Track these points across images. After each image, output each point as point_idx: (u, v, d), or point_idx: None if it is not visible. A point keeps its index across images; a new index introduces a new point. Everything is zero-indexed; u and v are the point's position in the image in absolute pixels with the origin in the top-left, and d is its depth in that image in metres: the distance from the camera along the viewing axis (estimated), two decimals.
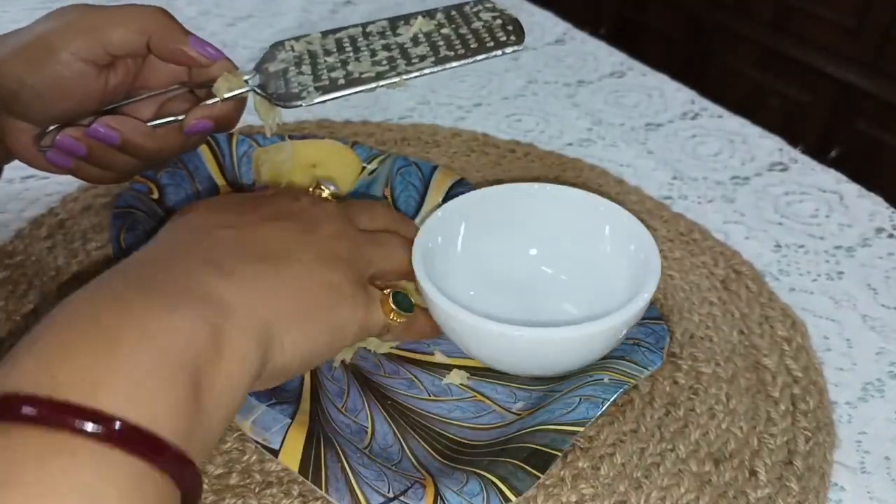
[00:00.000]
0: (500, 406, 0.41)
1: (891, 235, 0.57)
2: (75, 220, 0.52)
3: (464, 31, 0.42)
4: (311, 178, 0.51)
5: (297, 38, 0.44)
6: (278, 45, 0.43)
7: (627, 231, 0.43)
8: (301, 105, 0.40)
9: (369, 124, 0.66)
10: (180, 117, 0.41)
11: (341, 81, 0.40)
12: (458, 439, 0.39)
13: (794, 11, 1.44)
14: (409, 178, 0.52)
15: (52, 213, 0.52)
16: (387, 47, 0.42)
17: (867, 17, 1.33)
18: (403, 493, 0.33)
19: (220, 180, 0.54)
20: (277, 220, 0.35)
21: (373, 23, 0.44)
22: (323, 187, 0.43)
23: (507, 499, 0.33)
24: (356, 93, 0.40)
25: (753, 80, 1.54)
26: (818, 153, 0.71)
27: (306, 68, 0.42)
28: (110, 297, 0.27)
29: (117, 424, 0.22)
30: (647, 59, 0.82)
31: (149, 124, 0.40)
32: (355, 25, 0.44)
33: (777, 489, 0.38)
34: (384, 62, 0.41)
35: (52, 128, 0.40)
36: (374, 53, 0.42)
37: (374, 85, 0.40)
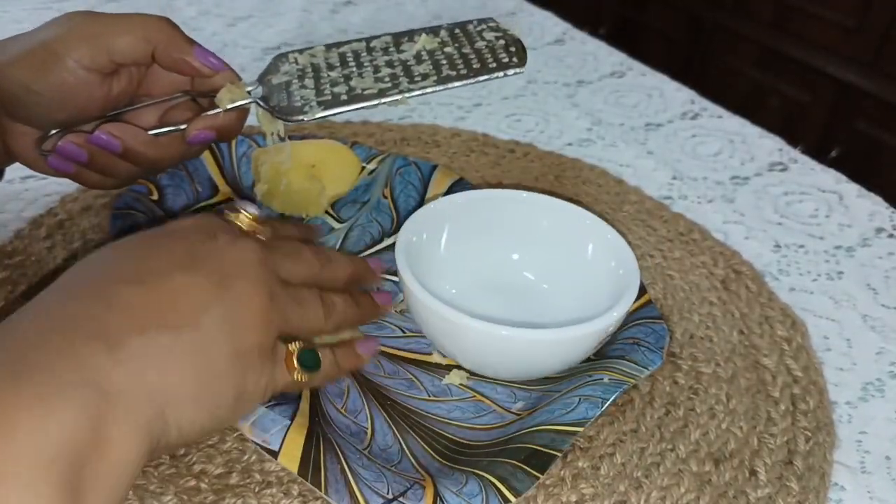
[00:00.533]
0: (499, 406, 0.41)
1: (891, 235, 0.57)
2: (74, 221, 0.52)
3: (467, 50, 0.42)
4: (310, 179, 0.51)
5: (300, 51, 0.44)
6: (282, 57, 0.44)
7: (610, 247, 0.43)
8: (303, 120, 0.40)
9: (369, 124, 0.66)
10: (182, 126, 0.41)
11: (344, 97, 0.41)
12: (458, 440, 0.39)
13: (794, 11, 1.44)
14: (408, 178, 0.52)
15: (52, 214, 0.52)
16: (390, 64, 0.42)
17: (867, 17, 1.33)
18: (403, 493, 0.33)
19: (219, 181, 0.54)
20: (189, 268, 0.31)
21: (377, 38, 0.45)
22: (242, 211, 0.37)
23: (506, 499, 0.33)
24: (358, 109, 0.40)
25: (753, 80, 1.54)
26: (818, 153, 0.71)
27: (309, 82, 0.42)
28: None
29: None
30: (647, 59, 0.82)
31: (150, 133, 0.41)
32: (359, 40, 0.45)
33: (777, 489, 0.38)
34: (387, 79, 0.41)
35: (53, 132, 0.41)
36: (377, 70, 0.42)
37: (376, 102, 0.40)
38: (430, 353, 0.43)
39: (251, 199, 0.53)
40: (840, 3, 1.36)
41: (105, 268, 0.31)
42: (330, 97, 0.41)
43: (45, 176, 0.56)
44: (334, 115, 0.40)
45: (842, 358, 0.47)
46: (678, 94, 0.75)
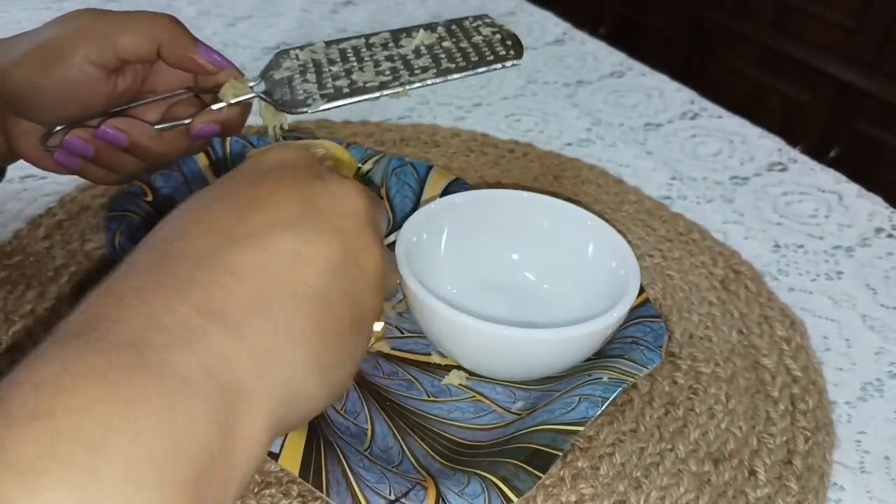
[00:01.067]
0: (499, 406, 0.41)
1: (890, 235, 0.57)
2: (73, 221, 0.52)
3: (464, 44, 0.43)
4: None
5: (301, 48, 0.45)
6: (283, 54, 0.44)
7: (611, 247, 0.43)
8: (307, 112, 0.40)
9: (368, 124, 0.66)
10: (186, 121, 0.41)
11: (346, 90, 0.41)
12: (458, 440, 0.38)
13: (794, 11, 1.44)
14: (404, 178, 0.52)
15: (51, 214, 0.52)
16: (389, 58, 0.43)
17: (867, 17, 1.33)
18: (405, 495, 0.33)
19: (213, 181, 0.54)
20: (301, 223, 0.27)
21: (376, 34, 0.45)
22: (329, 146, 0.36)
23: (508, 499, 0.33)
24: (360, 101, 0.41)
25: (753, 80, 1.54)
26: (818, 153, 0.71)
27: (311, 76, 0.42)
28: (94, 372, 0.21)
29: None
30: (647, 59, 0.82)
31: (155, 128, 0.41)
32: (358, 36, 0.45)
33: (776, 489, 0.38)
34: (387, 72, 0.41)
35: (58, 129, 0.41)
36: (377, 64, 0.42)
37: (377, 94, 0.40)
38: (429, 354, 0.43)
39: None
40: (840, 3, 1.36)
41: (203, 228, 0.26)
42: (332, 90, 0.41)
43: (44, 175, 0.56)
44: (337, 107, 0.40)
45: (841, 358, 0.47)
46: (678, 94, 0.75)
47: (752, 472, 0.38)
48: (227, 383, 0.22)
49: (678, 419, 0.41)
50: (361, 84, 0.41)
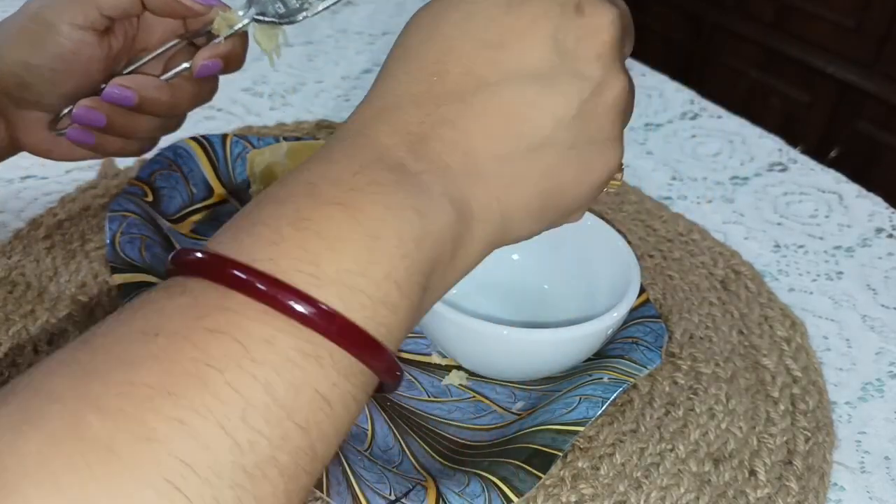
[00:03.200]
0: (499, 406, 0.41)
1: (890, 235, 0.57)
2: (74, 221, 0.52)
3: None
4: None
5: None
6: None
7: (611, 247, 0.43)
8: (307, 16, 0.40)
9: None
10: (188, 65, 0.40)
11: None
12: (459, 440, 0.38)
13: (794, 11, 1.44)
14: None
15: (51, 214, 0.52)
16: None
17: (867, 17, 1.33)
18: (405, 495, 0.33)
19: (214, 182, 0.54)
20: (540, 77, 0.27)
21: None
22: None
23: (508, 499, 0.33)
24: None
25: (753, 80, 1.54)
26: (818, 153, 0.71)
27: None
28: (364, 178, 0.24)
29: (336, 318, 0.21)
30: (647, 59, 0.82)
31: (160, 78, 0.40)
32: None
33: (777, 489, 0.38)
34: None
35: (65, 111, 0.41)
36: None
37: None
38: (429, 354, 0.43)
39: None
40: (840, 3, 1.36)
41: (461, 64, 0.27)
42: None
43: (45, 175, 0.56)
44: (336, 2, 0.40)
45: (841, 358, 0.47)
46: (678, 94, 0.75)
47: (753, 473, 0.38)
48: (462, 208, 0.26)
49: (678, 419, 0.41)
50: None
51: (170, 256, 0.23)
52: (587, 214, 0.45)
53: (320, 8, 0.40)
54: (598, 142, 0.29)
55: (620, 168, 0.31)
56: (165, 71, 0.42)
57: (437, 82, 0.27)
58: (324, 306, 0.21)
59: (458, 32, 0.28)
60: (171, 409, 0.19)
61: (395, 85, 0.28)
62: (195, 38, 0.42)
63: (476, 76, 0.27)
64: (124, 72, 0.42)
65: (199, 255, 0.22)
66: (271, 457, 0.20)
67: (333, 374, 0.21)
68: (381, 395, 0.40)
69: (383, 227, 0.23)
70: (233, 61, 0.42)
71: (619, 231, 0.44)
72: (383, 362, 0.22)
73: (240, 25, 0.41)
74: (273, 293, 0.21)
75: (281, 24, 0.41)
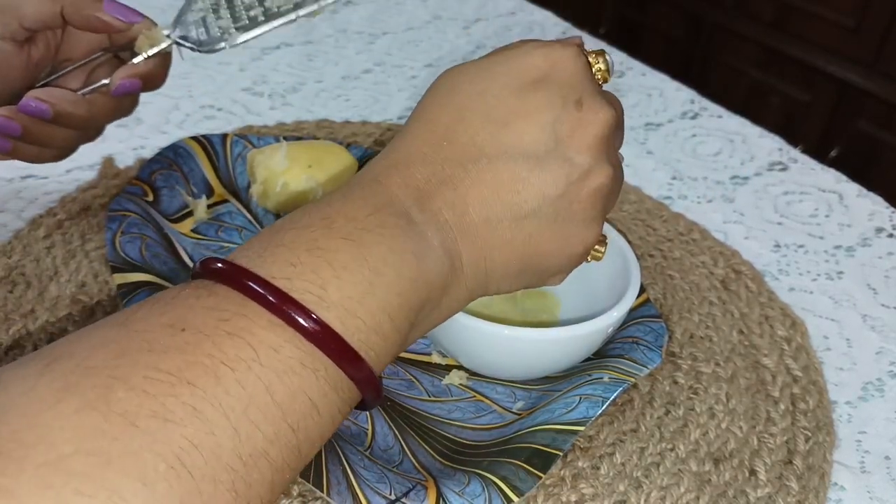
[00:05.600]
0: (500, 406, 0.41)
1: (890, 235, 0.57)
2: (73, 221, 0.52)
3: None
4: (306, 180, 0.51)
5: None
6: None
7: (611, 247, 0.43)
8: (225, 47, 0.41)
9: (368, 124, 0.66)
10: (106, 81, 0.40)
11: (261, 18, 0.41)
12: (459, 440, 0.38)
13: (794, 11, 1.44)
14: None
15: (51, 214, 0.52)
16: None
17: (867, 17, 1.33)
18: (405, 494, 0.33)
19: (214, 182, 0.54)
20: (533, 157, 0.31)
21: None
22: (601, 57, 0.33)
23: (509, 499, 0.33)
24: (277, 27, 0.41)
25: (753, 80, 1.54)
26: (818, 153, 0.71)
27: (224, 12, 0.42)
28: (374, 221, 0.27)
29: (336, 337, 0.25)
30: (647, 59, 0.82)
31: (78, 92, 0.40)
32: None
33: (777, 489, 0.38)
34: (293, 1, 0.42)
35: None
36: None
37: (293, 16, 0.40)
38: (429, 354, 0.43)
39: (244, 201, 0.53)
40: (840, 3, 1.36)
41: (466, 134, 0.31)
42: (247, 21, 0.41)
43: (45, 175, 0.56)
44: (254, 37, 0.41)
45: (842, 358, 0.47)
46: (678, 94, 0.75)
47: (753, 472, 0.38)
48: (454, 260, 0.30)
49: (678, 419, 0.41)
50: (276, 9, 0.41)
51: (199, 262, 0.26)
52: None
53: (239, 40, 0.40)
54: (578, 220, 0.32)
55: (602, 243, 0.35)
56: (88, 82, 0.42)
57: (445, 147, 0.30)
58: (327, 326, 0.24)
59: (470, 104, 0.31)
60: (188, 396, 0.22)
61: (411, 142, 0.31)
62: (120, 51, 0.42)
63: (478, 147, 0.30)
64: (47, 79, 0.42)
65: (225, 264, 0.25)
66: (264, 450, 0.23)
67: (325, 386, 0.24)
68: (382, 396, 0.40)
69: (385, 265, 0.26)
70: (152, 82, 0.42)
71: (618, 231, 0.44)
72: (370, 382, 0.26)
73: (161, 47, 0.41)
74: (285, 308, 0.24)
75: (201, 51, 0.41)
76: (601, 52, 0.34)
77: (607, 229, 0.44)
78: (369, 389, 0.26)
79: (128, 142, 0.61)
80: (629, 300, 0.39)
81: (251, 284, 0.24)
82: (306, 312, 0.24)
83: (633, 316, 0.43)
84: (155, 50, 0.41)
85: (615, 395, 0.37)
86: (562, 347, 0.38)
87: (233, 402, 0.22)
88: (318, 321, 0.24)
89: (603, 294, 0.42)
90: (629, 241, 0.43)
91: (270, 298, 0.24)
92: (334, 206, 0.28)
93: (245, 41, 0.41)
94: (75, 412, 0.20)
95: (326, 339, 0.24)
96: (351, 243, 0.26)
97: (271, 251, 0.26)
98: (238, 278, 0.24)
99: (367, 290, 0.26)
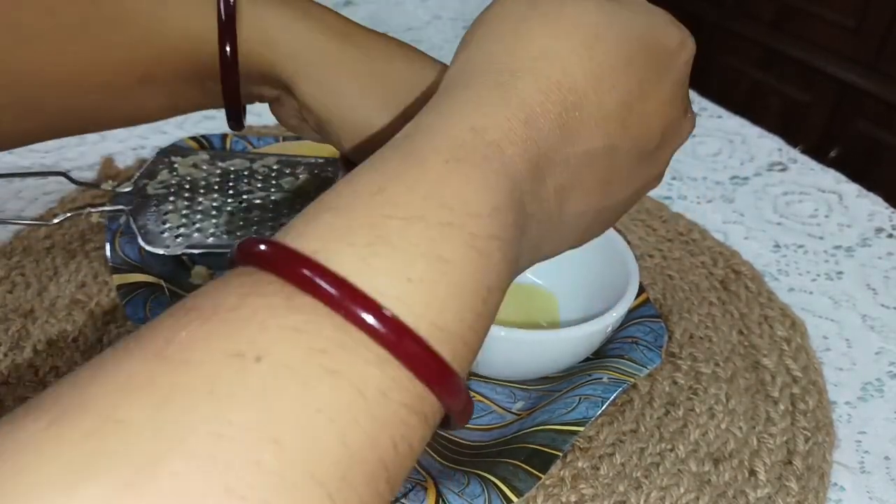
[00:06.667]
0: (499, 406, 0.41)
1: (890, 235, 0.57)
2: (74, 221, 0.52)
3: None
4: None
5: (184, 155, 0.45)
6: (164, 158, 0.44)
7: (609, 246, 0.43)
8: (164, 253, 0.41)
9: None
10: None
11: (210, 240, 0.42)
12: (458, 440, 0.38)
13: (794, 11, 1.44)
14: None
15: (51, 214, 0.52)
16: (263, 206, 0.44)
17: (867, 17, 1.33)
18: (405, 495, 0.33)
19: None
20: (626, 86, 0.26)
21: (262, 158, 0.46)
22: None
23: (508, 500, 0.33)
24: (221, 251, 0.42)
25: (753, 80, 1.54)
26: (818, 153, 0.71)
27: (182, 203, 0.43)
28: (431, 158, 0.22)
29: (453, 377, 0.19)
30: None
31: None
32: (245, 155, 0.46)
33: (776, 489, 0.38)
34: (255, 219, 0.43)
35: None
36: (249, 210, 0.44)
37: (235, 243, 0.42)
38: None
39: None
40: (840, 3, 1.36)
41: (595, 88, 0.25)
42: (196, 232, 0.42)
43: (45, 175, 0.56)
44: (195, 253, 0.42)
45: (841, 358, 0.47)
46: None
47: (752, 473, 0.38)
48: (533, 257, 0.26)
49: (678, 419, 0.41)
50: (223, 235, 0.42)
51: (260, 244, 0.19)
52: None
53: (179, 252, 0.42)
54: (619, 214, 0.30)
55: None
56: None
57: (573, 114, 0.24)
58: (446, 366, 0.19)
59: (612, 65, 0.25)
60: (274, 462, 0.15)
61: (532, 87, 0.24)
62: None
63: (605, 133, 0.25)
64: None
65: (319, 272, 0.18)
66: None
67: (428, 430, 0.20)
68: None
69: (500, 284, 0.21)
70: None
71: (617, 230, 0.44)
72: (467, 411, 0.21)
73: (81, 213, 0.44)
74: (404, 342, 0.18)
75: (142, 242, 0.42)
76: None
77: (614, 235, 0.44)
78: (464, 416, 0.21)
79: (128, 142, 0.61)
80: (627, 301, 0.39)
81: (356, 310, 0.18)
82: (425, 348, 0.19)
83: (632, 316, 0.43)
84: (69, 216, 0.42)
85: (615, 395, 0.37)
86: (559, 348, 0.38)
87: (331, 467, 0.16)
88: (439, 360, 0.19)
89: (602, 294, 0.42)
90: (628, 242, 0.43)
91: (383, 329, 0.18)
92: (452, 187, 0.21)
93: (183, 252, 0.42)
94: (101, 502, 0.14)
95: (442, 380, 0.19)
96: (475, 255, 0.20)
97: (374, 250, 0.19)
98: (336, 296, 0.18)
99: (482, 312, 0.21)
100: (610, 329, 0.39)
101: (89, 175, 0.56)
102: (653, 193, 0.60)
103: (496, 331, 0.37)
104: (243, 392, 0.16)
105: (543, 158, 0.23)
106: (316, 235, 0.19)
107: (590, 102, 0.25)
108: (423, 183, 0.21)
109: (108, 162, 0.57)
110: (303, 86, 0.34)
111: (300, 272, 0.18)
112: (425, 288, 0.19)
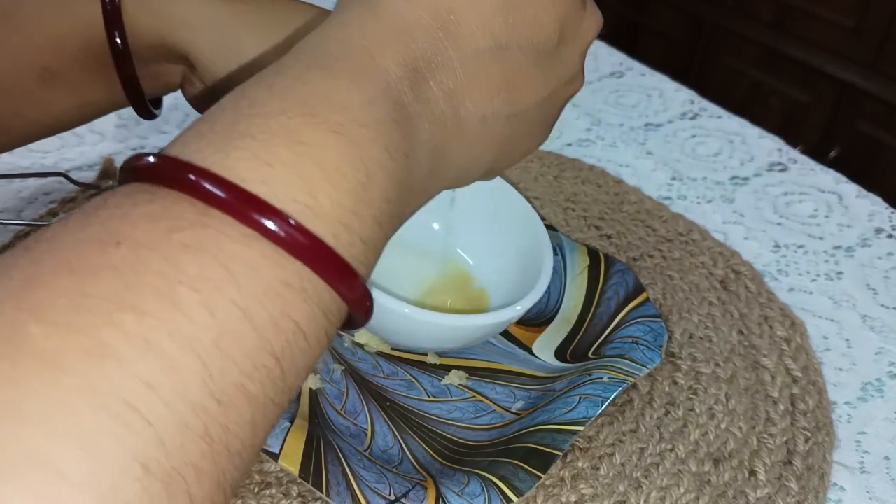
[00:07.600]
0: (499, 406, 0.41)
1: (890, 235, 0.57)
2: None
3: None
4: None
5: None
6: None
7: (530, 234, 0.44)
8: None
9: None
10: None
11: None
12: (458, 440, 0.39)
13: (794, 11, 1.44)
14: None
15: (51, 214, 0.52)
16: None
17: (867, 17, 1.33)
18: (405, 495, 0.33)
19: None
20: (544, 51, 0.28)
21: None
22: None
23: (508, 499, 0.33)
24: None
25: (753, 80, 1.54)
26: (818, 153, 0.71)
27: None
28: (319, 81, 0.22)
29: (331, 255, 0.20)
30: (647, 59, 0.82)
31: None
32: None
33: (776, 489, 0.38)
34: None
35: None
36: None
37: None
38: (425, 354, 0.43)
39: None
40: (840, 3, 1.36)
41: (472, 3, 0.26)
42: None
43: (45, 175, 0.56)
44: None
45: (841, 358, 0.47)
46: (678, 94, 0.75)
47: (752, 473, 0.38)
48: (437, 160, 0.25)
49: (678, 419, 0.41)
50: None
51: (127, 160, 0.20)
52: (517, 196, 0.46)
53: None
54: (546, 123, 0.30)
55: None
56: None
57: (452, 21, 0.25)
58: (320, 241, 0.20)
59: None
60: (133, 325, 0.17)
61: (410, 9, 0.25)
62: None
63: (490, 31, 0.26)
64: None
65: (171, 162, 0.19)
66: (241, 384, 0.18)
67: (314, 308, 0.20)
68: (381, 395, 0.40)
69: (380, 168, 0.22)
70: None
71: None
72: (364, 302, 0.22)
73: None
74: (265, 219, 0.19)
75: None
76: None
77: (531, 216, 0.45)
78: (362, 309, 0.22)
79: (128, 142, 0.61)
80: (535, 296, 0.39)
81: (214, 190, 0.19)
82: (293, 225, 0.19)
83: (632, 316, 0.43)
84: None
85: (615, 395, 0.38)
86: (453, 333, 0.39)
87: (198, 332, 0.17)
88: (309, 235, 0.19)
89: (518, 280, 0.43)
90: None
91: (244, 207, 0.19)
92: (314, 85, 0.22)
93: None
94: None
95: (318, 257, 0.20)
96: (343, 139, 0.21)
97: (235, 144, 0.20)
98: (194, 181, 0.19)
99: (362, 197, 0.21)
100: (513, 322, 0.39)
101: (89, 175, 0.56)
102: (653, 193, 0.60)
103: (399, 307, 0.37)
104: (102, 269, 0.17)
105: (422, 62, 0.24)
106: (182, 142, 0.20)
107: (465, 3, 0.25)
108: (281, 84, 0.22)
109: (108, 162, 0.57)
110: (199, 51, 0.34)
111: (161, 170, 0.19)
112: (287, 170, 0.20)
